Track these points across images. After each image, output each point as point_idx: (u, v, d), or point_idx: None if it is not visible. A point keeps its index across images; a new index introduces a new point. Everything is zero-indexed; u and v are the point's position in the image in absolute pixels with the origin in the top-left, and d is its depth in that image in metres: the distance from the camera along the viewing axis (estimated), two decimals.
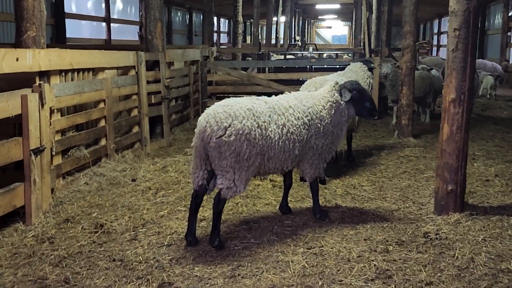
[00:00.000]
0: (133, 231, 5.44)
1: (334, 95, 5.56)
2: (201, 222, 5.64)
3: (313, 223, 5.65)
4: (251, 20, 33.09)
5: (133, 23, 25.75)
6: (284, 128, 5.11)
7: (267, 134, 4.96)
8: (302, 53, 17.00)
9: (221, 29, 40.48)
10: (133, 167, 7.79)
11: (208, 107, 5.19)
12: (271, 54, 18.51)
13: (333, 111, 5.53)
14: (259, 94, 13.24)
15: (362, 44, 20.00)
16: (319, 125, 5.44)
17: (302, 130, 5.27)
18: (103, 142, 7.91)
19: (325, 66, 13.49)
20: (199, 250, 4.95)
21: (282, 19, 35.27)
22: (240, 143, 4.76)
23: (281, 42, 32.82)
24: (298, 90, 8.10)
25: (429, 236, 5.22)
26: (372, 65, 8.97)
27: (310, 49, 17.34)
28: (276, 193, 6.63)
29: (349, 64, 8.67)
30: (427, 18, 35.00)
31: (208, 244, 5.02)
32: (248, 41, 40.63)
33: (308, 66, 13.56)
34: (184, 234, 5.19)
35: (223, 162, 4.80)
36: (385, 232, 5.37)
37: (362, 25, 19.54)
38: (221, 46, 32.66)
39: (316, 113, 5.44)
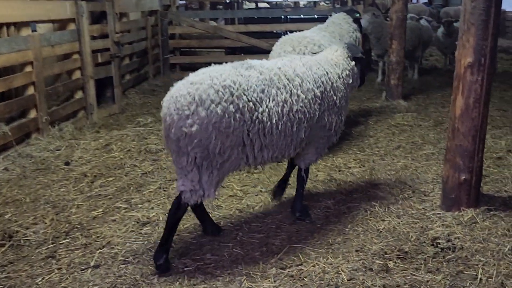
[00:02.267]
0: (52, 243, 4.12)
1: (350, 63, 4.44)
2: (145, 227, 4.36)
3: (289, 225, 4.40)
4: None
5: None
6: (285, 106, 3.79)
7: (255, 117, 3.62)
8: (276, 1, 15.37)
9: None
10: (69, 145, 6.38)
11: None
12: (244, 2, 16.78)
13: (350, 80, 4.44)
14: (227, 48, 11.96)
15: None
16: (334, 97, 4.24)
17: (313, 105, 4.01)
18: (32, 114, 6.46)
19: (302, 16, 11.97)
20: (135, 275, 3.67)
21: None
22: (207, 135, 3.43)
23: None
24: (271, 44, 6.78)
25: (439, 244, 4.02)
26: (358, 15, 7.53)
27: None
28: (242, 180, 5.34)
29: (330, 15, 7.24)
30: None
31: (151, 260, 3.75)
32: None
33: (282, 16, 12.03)
34: (119, 246, 3.93)
35: (182, 158, 3.51)
36: (382, 237, 4.16)
37: None
38: None
39: (333, 83, 4.24)
